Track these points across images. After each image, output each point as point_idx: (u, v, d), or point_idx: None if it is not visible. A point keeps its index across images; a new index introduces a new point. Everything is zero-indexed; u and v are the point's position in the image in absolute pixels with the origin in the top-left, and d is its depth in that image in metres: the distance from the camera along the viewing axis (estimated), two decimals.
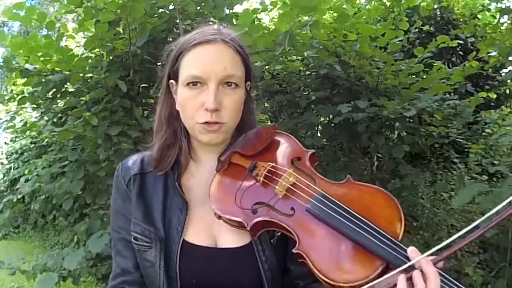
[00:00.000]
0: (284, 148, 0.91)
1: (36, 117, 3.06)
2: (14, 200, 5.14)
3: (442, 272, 0.67)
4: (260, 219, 0.79)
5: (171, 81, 0.92)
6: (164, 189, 0.92)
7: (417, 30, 2.93)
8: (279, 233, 0.83)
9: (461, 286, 0.67)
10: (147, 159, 0.96)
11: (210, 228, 0.89)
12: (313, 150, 0.89)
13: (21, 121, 4.55)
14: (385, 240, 0.70)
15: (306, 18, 2.16)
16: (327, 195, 0.78)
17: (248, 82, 0.93)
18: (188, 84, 0.85)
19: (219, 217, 0.84)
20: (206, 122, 0.84)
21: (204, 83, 0.84)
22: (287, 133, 0.95)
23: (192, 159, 0.95)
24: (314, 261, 0.72)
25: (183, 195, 0.90)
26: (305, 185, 0.81)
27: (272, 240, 0.87)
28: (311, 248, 0.74)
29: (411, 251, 0.68)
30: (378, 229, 0.72)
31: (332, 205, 0.76)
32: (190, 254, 0.86)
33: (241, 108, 0.90)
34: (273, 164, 0.85)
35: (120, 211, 0.94)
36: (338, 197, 0.77)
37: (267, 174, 0.84)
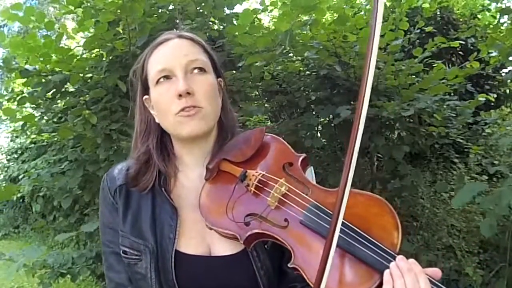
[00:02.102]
0: (275, 153, 0.87)
1: (36, 117, 3.06)
2: (14, 199, 5.14)
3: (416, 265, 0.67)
4: (253, 231, 0.77)
5: (145, 96, 0.92)
6: (152, 198, 0.89)
7: (418, 30, 2.94)
8: None
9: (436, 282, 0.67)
10: (129, 174, 0.92)
11: (203, 236, 0.86)
12: (304, 154, 0.86)
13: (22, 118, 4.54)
14: (381, 253, 0.68)
15: (305, 17, 2.16)
16: (320, 205, 0.75)
17: (220, 79, 0.93)
18: (157, 81, 0.86)
19: (210, 228, 0.81)
20: (182, 109, 0.83)
21: (172, 75, 0.85)
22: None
23: (178, 169, 0.92)
24: (311, 276, 0.69)
25: (171, 201, 0.87)
26: (298, 195, 0.78)
27: (266, 246, 0.85)
28: (306, 262, 0.71)
29: (399, 259, 0.67)
30: (373, 241, 0.70)
31: (326, 217, 0.73)
32: (184, 264, 0.84)
33: (216, 95, 0.89)
34: (264, 173, 0.82)
35: (108, 225, 0.92)
36: (332, 207, 0.72)
37: (258, 184, 0.80)
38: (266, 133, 0.90)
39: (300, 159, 0.84)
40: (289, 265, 0.72)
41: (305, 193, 0.78)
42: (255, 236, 0.77)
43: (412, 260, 0.68)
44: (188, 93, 0.83)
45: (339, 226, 0.66)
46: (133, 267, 0.87)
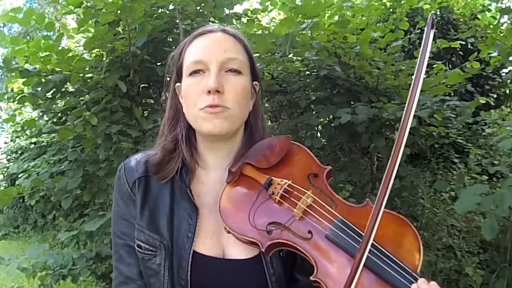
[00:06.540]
0: (300, 163, 0.85)
1: (36, 117, 3.06)
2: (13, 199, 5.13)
3: None
4: (275, 240, 0.76)
5: (178, 84, 0.89)
6: (171, 193, 0.87)
7: (418, 30, 2.94)
8: None
9: None
10: (151, 160, 0.90)
11: (218, 237, 0.85)
12: (330, 167, 0.84)
13: (21, 120, 4.55)
14: (404, 273, 0.69)
15: (306, 21, 2.16)
16: (347, 221, 0.75)
17: (256, 82, 0.90)
18: (191, 73, 0.84)
19: (229, 232, 0.80)
20: (208, 106, 0.80)
21: (206, 69, 0.82)
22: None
23: (199, 165, 0.90)
24: None
25: (193, 200, 0.85)
26: (323, 208, 0.77)
27: (281, 253, 0.83)
28: (329, 276, 0.71)
29: (421, 282, 0.68)
30: (397, 261, 0.70)
31: (353, 234, 0.73)
32: (199, 264, 0.83)
33: (247, 99, 0.86)
34: (290, 183, 0.80)
35: (123, 216, 0.89)
36: (358, 224, 0.74)
37: (284, 193, 0.79)
38: (292, 142, 0.88)
39: (326, 171, 0.83)
40: (311, 278, 0.71)
41: (330, 207, 0.78)
42: (276, 244, 0.76)
43: (433, 283, 0.68)
44: (218, 91, 0.80)
45: (369, 246, 0.68)
46: (147, 263, 0.85)
